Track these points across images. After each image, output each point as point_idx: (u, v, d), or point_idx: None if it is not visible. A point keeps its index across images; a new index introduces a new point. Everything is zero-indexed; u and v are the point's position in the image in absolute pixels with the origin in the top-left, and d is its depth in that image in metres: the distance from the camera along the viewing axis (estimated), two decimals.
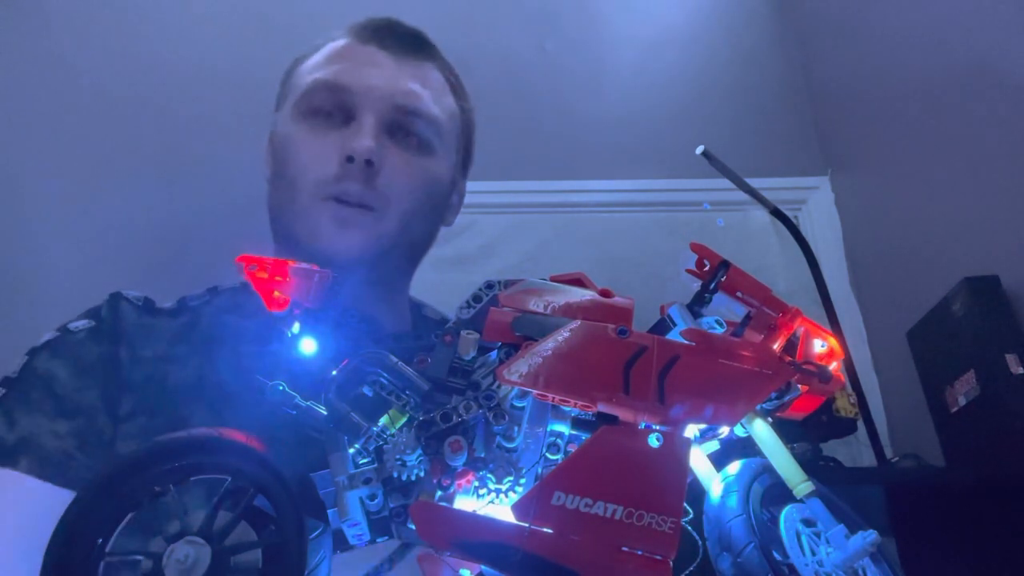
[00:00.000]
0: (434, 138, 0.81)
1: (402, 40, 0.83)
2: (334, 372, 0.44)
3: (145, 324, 0.75)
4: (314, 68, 0.81)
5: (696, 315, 0.48)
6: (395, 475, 0.42)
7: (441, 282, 0.90)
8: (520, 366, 0.41)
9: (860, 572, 0.42)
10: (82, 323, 0.74)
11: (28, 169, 1.79)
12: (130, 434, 0.67)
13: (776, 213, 1.59)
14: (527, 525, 0.38)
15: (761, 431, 0.44)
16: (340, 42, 0.84)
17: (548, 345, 0.42)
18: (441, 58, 0.88)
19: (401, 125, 0.79)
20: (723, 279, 0.48)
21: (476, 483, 0.42)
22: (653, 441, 0.39)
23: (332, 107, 0.78)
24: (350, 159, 0.74)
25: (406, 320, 0.87)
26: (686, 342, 0.43)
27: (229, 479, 0.40)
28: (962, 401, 1.28)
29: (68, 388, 0.69)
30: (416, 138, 0.80)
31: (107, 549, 0.38)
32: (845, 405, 0.53)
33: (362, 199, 0.75)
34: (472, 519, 0.40)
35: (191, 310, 0.79)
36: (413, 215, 0.79)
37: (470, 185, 0.94)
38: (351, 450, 0.43)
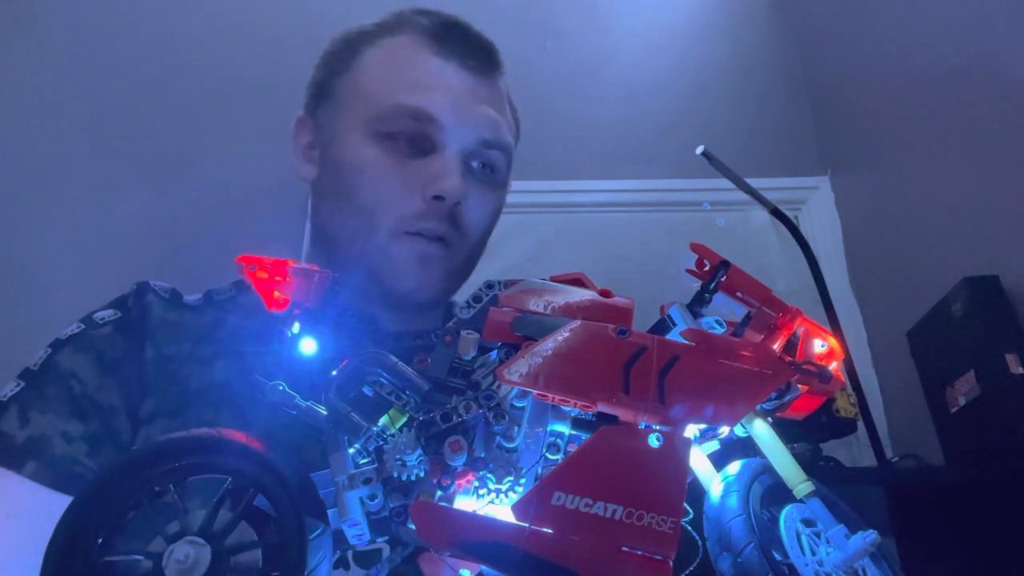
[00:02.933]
0: (504, 167, 0.80)
1: (480, 55, 0.80)
2: (334, 372, 0.44)
3: (171, 320, 0.74)
4: (389, 82, 0.76)
5: (696, 315, 0.48)
6: (395, 475, 0.42)
7: None
8: (520, 366, 0.41)
9: (860, 572, 0.42)
10: (108, 313, 0.73)
11: (30, 169, 1.79)
12: (152, 437, 0.66)
13: (776, 213, 1.59)
14: (527, 525, 0.38)
15: (761, 431, 0.44)
16: (413, 45, 0.78)
17: (548, 345, 0.42)
18: (503, 67, 0.84)
19: (479, 156, 0.77)
20: (723, 279, 0.48)
21: (476, 483, 0.41)
22: (653, 441, 0.39)
23: (414, 135, 0.74)
24: (438, 198, 0.72)
25: (438, 321, 0.86)
26: (686, 342, 0.43)
27: (229, 479, 0.40)
28: (962, 401, 1.28)
29: (88, 387, 0.68)
30: (491, 170, 0.79)
31: (107, 549, 0.38)
32: (845, 405, 0.53)
33: (443, 232, 0.74)
34: (472, 519, 0.40)
35: (217, 305, 0.78)
36: (477, 247, 0.81)
37: None
38: (351, 450, 0.43)
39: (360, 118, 0.76)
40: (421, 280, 0.75)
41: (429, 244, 0.74)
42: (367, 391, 0.44)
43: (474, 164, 0.77)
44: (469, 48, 0.79)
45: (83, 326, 0.72)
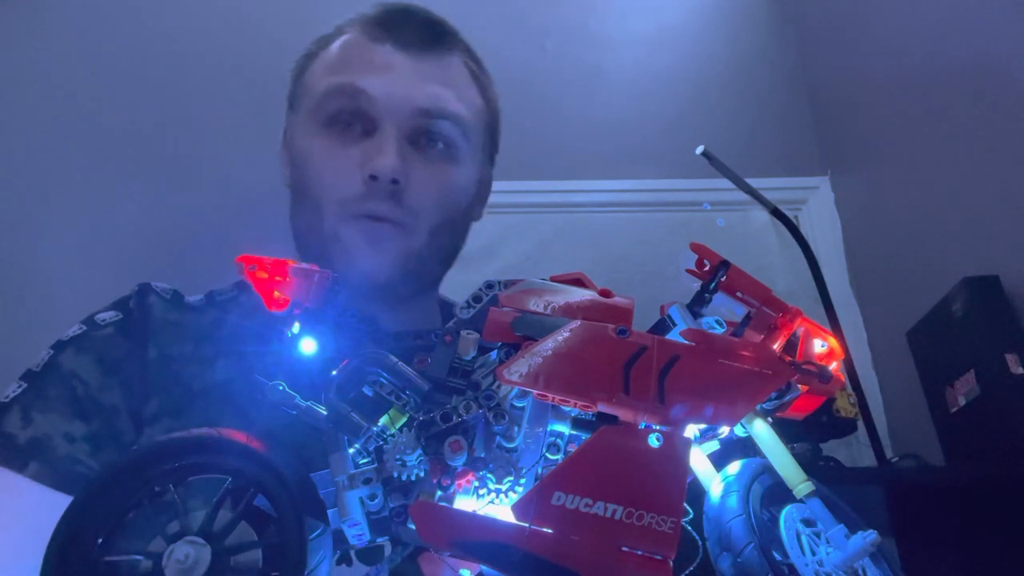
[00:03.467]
0: (460, 140, 0.77)
1: (419, 34, 0.78)
2: (334, 372, 0.44)
3: (173, 320, 0.74)
4: (328, 71, 0.78)
5: (696, 315, 0.48)
6: (395, 475, 0.42)
7: (442, 282, 0.90)
8: (520, 366, 0.41)
9: (860, 572, 0.42)
10: (109, 315, 0.73)
11: (29, 170, 1.79)
12: (156, 437, 0.66)
13: (776, 213, 1.59)
14: (527, 525, 0.38)
15: (761, 431, 0.44)
16: (352, 38, 0.79)
17: (548, 345, 0.42)
18: (462, 45, 0.83)
19: (425, 130, 0.75)
20: (723, 279, 0.48)
21: (476, 483, 0.41)
22: (653, 441, 0.39)
23: (351, 116, 0.74)
24: (374, 178, 0.71)
25: (436, 320, 0.86)
26: (686, 342, 0.43)
27: (229, 479, 0.40)
28: (962, 401, 1.28)
29: (91, 388, 0.68)
30: (441, 143, 0.76)
31: (107, 549, 0.38)
32: (845, 405, 0.53)
33: (390, 216, 0.73)
34: (472, 519, 0.40)
35: (218, 306, 0.78)
36: (441, 227, 0.77)
37: None
38: (351, 450, 0.43)
39: (306, 111, 0.78)
40: (376, 261, 0.73)
41: (376, 225, 0.73)
42: (367, 391, 0.44)
43: (420, 138, 0.75)
44: (408, 29, 0.78)
45: (85, 327, 0.72)
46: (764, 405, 0.45)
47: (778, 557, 0.41)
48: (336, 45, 0.80)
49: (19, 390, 0.68)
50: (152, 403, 0.68)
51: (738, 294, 0.48)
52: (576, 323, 0.43)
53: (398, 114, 0.74)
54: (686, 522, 0.39)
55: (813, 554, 0.42)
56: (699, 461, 0.45)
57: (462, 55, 0.82)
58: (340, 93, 0.74)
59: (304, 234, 0.78)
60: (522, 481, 0.42)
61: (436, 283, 0.85)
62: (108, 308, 0.75)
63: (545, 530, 0.38)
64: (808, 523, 0.43)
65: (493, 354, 0.46)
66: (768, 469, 0.44)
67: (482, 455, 0.42)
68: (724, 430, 0.45)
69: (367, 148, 0.73)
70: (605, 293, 0.48)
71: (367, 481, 0.42)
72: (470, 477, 0.41)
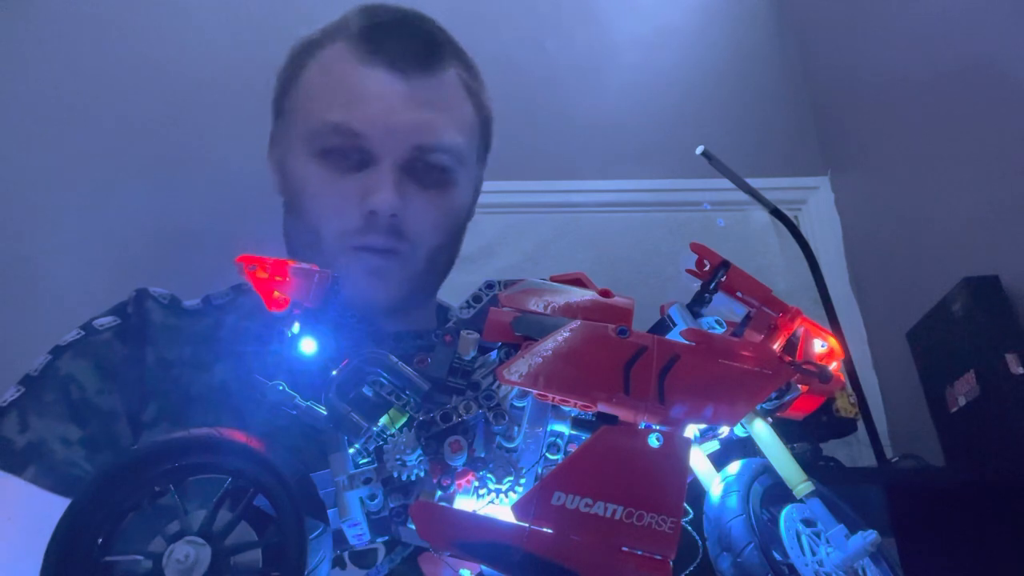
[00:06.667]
0: (455, 166, 0.77)
1: (413, 53, 0.76)
2: (334, 372, 0.44)
3: (171, 325, 0.75)
4: (319, 99, 0.76)
5: (696, 315, 0.48)
6: (395, 475, 0.42)
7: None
8: (520, 366, 0.41)
9: (860, 572, 0.42)
10: (107, 320, 0.74)
11: (29, 170, 1.79)
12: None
13: (776, 213, 1.59)
14: (527, 525, 0.38)
15: (761, 431, 0.44)
16: (342, 57, 0.77)
17: (548, 345, 0.42)
18: (455, 56, 0.81)
19: (420, 162, 0.75)
20: (723, 279, 0.48)
21: (476, 483, 0.42)
22: (653, 441, 0.39)
23: (347, 150, 0.74)
24: (373, 213, 0.72)
25: (433, 323, 0.86)
26: (686, 342, 0.43)
27: (229, 479, 0.40)
28: (962, 401, 1.28)
29: (88, 392, 0.68)
30: (436, 172, 0.76)
31: (107, 549, 0.38)
32: (845, 405, 0.53)
33: (389, 247, 0.74)
34: (472, 519, 0.40)
35: (216, 310, 0.78)
36: (439, 248, 0.78)
37: None
38: (351, 450, 0.43)
39: (300, 135, 0.77)
40: (377, 292, 0.75)
41: (375, 256, 0.74)
42: (367, 391, 0.44)
43: (416, 167, 0.75)
44: (400, 49, 0.76)
45: (83, 332, 0.73)
46: (764, 405, 0.45)
47: (778, 557, 0.41)
48: (325, 61, 0.78)
49: (17, 394, 0.68)
50: (150, 407, 0.69)
51: (738, 294, 0.48)
52: (576, 323, 0.43)
53: (395, 149, 0.74)
54: (686, 522, 0.39)
55: (813, 554, 0.42)
56: (699, 461, 0.45)
57: (456, 67, 0.80)
58: (336, 133, 0.74)
59: (300, 251, 0.78)
60: (522, 481, 0.42)
61: (435, 290, 0.86)
62: (106, 314, 0.75)
63: (545, 530, 0.38)
64: (808, 523, 0.43)
65: (493, 354, 0.46)
66: (768, 469, 0.44)
67: (482, 455, 0.42)
68: (724, 430, 0.45)
69: (365, 182, 0.73)
70: (605, 293, 0.48)
71: (367, 481, 0.42)
72: (470, 477, 0.41)
